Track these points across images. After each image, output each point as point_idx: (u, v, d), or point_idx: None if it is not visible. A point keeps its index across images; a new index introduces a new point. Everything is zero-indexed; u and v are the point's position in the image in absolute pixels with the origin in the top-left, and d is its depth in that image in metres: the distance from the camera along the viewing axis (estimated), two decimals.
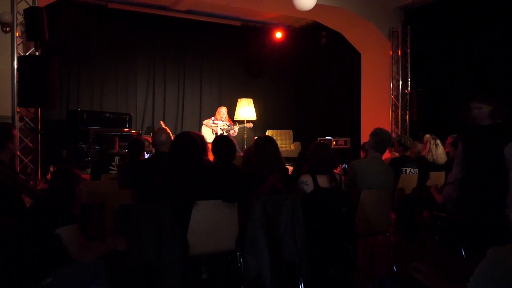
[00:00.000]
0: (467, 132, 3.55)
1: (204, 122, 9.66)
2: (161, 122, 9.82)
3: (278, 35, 11.47)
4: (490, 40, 7.34)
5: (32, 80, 5.87)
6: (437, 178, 5.22)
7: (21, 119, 6.22)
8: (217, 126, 9.24)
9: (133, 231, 2.97)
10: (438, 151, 5.49)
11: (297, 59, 12.06)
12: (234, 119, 10.62)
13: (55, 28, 8.01)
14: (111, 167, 5.31)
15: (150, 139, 7.46)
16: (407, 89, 8.71)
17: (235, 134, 9.37)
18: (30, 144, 6.31)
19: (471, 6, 7.63)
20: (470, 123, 3.41)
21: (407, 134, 8.14)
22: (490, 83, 7.33)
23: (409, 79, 8.70)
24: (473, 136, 3.42)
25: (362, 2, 8.49)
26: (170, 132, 4.42)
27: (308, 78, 11.94)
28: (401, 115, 8.77)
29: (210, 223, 3.26)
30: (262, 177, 3.61)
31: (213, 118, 9.52)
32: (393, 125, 8.81)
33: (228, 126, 9.42)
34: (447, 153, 5.44)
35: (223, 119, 9.47)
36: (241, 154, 5.34)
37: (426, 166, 5.41)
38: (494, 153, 3.20)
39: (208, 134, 9.28)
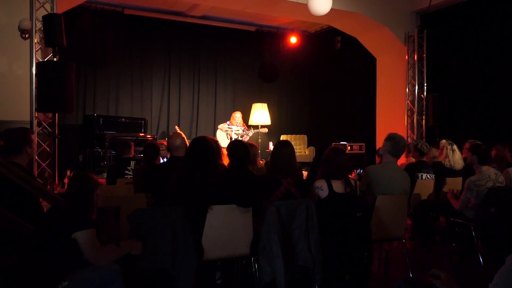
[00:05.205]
0: None
1: (220, 126, 9.73)
2: (176, 127, 9.89)
3: (293, 40, 11.49)
4: (507, 44, 7.24)
5: (50, 85, 5.94)
6: (453, 183, 5.14)
7: (39, 124, 6.31)
8: (232, 130, 9.28)
9: (147, 235, 2.98)
10: (455, 157, 5.42)
11: (312, 64, 12.04)
12: (249, 124, 10.63)
13: (73, 34, 8.13)
14: (126, 172, 5.36)
15: (166, 144, 7.50)
16: (423, 94, 8.63)
17: (247, 138, 9.37)
18: (48, 149, 6.39)
19: (488, 10, 7.54)
20: None
21: (423, 139, 8.05)
22: (507, 88, 7.22)
23: (425, 84, 8.61)
24: None
25: (377, 7, 8.45)
26: (185, 137, 4.44)
27: (322, 83, 11.90)
28: (417, 120, 8.68)
29: (225, 228, 3.26)
30: (275, 181, 3.61)
31: (228, 122, 9.58)
32: (408, 130, 8.72)
33: (243, 131, 9.45)
34: (464, 159, 5.36)
35: (238, 124, 9.51)
36: (262, 160, 5.32)
37: (443, 171, 5.34)
38: None
39: (222, 138, 9.31)
